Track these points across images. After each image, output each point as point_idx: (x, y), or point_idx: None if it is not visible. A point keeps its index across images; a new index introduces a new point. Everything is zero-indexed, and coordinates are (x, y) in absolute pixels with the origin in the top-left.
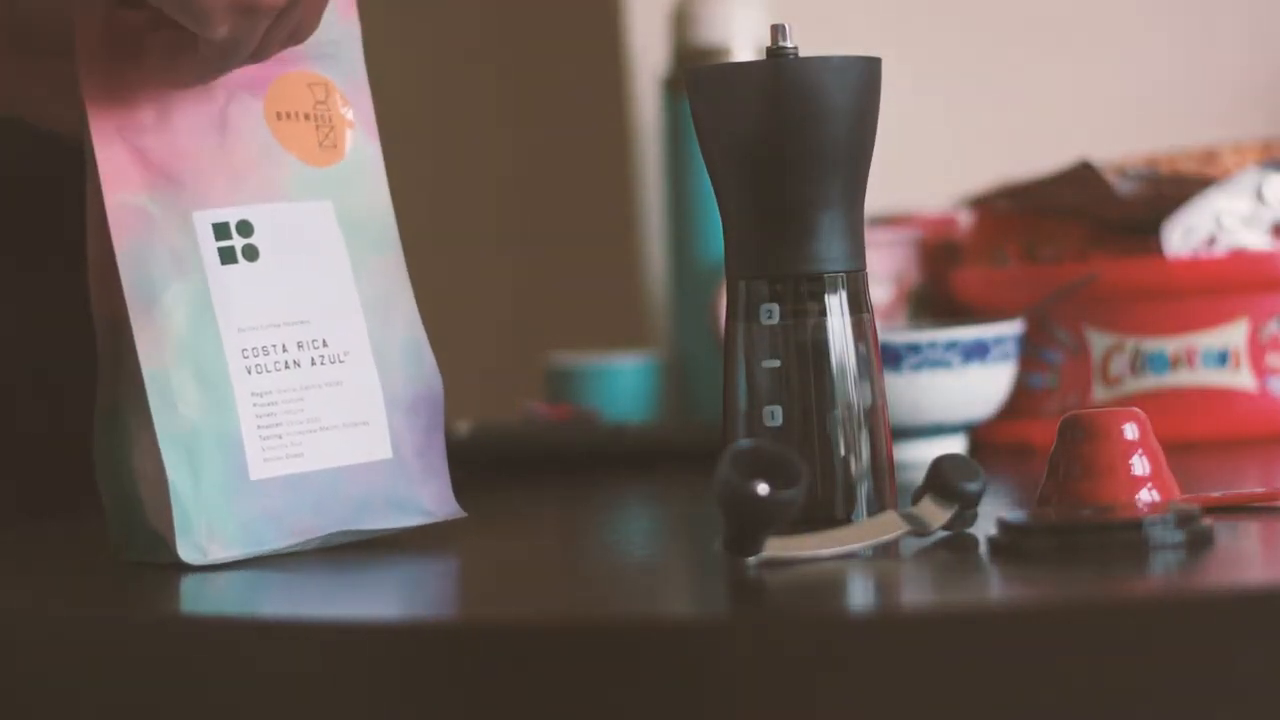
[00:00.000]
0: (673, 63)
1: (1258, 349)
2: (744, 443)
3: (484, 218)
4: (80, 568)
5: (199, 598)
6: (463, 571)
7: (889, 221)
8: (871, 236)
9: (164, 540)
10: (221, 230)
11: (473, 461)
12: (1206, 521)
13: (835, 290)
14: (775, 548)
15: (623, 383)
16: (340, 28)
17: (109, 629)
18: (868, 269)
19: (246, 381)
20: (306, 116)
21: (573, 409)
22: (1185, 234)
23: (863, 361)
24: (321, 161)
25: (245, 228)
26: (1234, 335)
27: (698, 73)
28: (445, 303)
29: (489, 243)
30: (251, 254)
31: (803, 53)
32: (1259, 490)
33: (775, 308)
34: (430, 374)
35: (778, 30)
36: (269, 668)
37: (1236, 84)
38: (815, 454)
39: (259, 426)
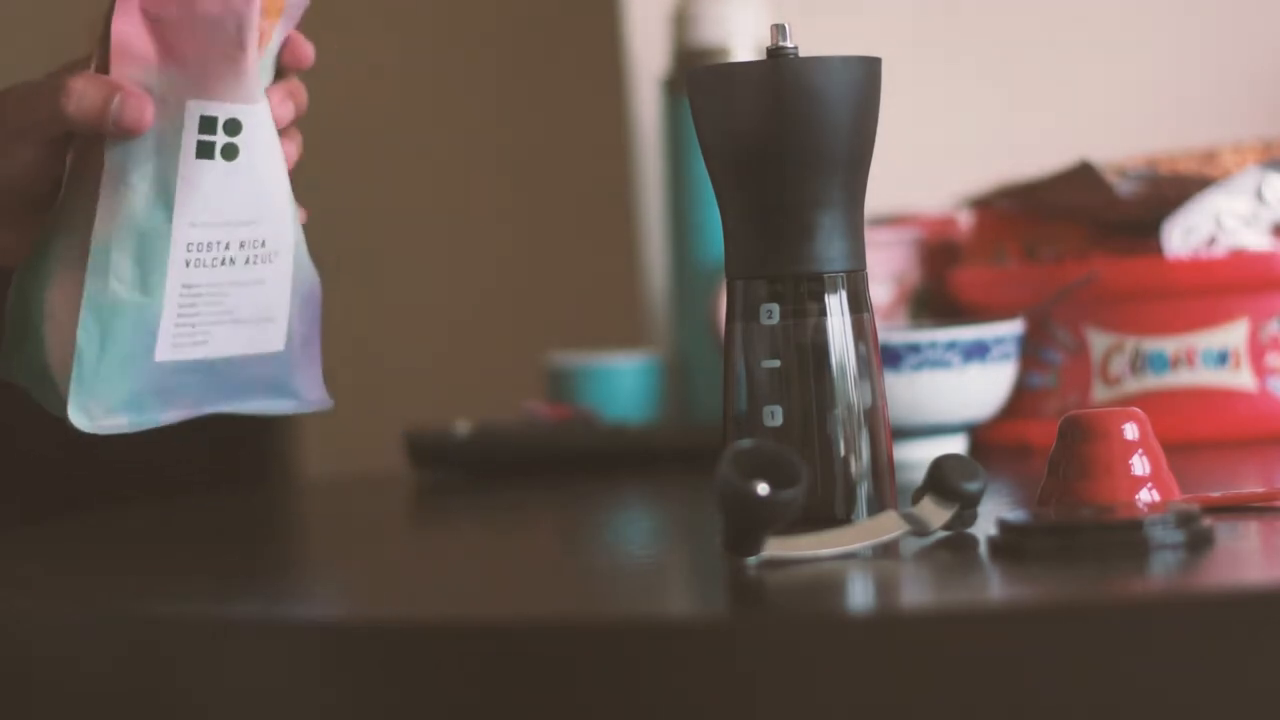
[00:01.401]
0: (673, 63)
1: (1258, 349)
2: (744, 443)
3: (484, 218)
4: (54, 569)
5: (190, 596)
6: (462, 571)
7: (889, 221)
8: (871, 236)
9: (54, 384)
10: (208, 124)
11: (473, 461)
12: (1206, 521)
13: (835, 290)
14: (775, 548)
15: (623, 383)
16: None
17: (79, 626)
18: (868, 269)
19: (182, 274)
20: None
21: (573, 409)
22: (1185, 234)
23: (863, 361)
24: (260, 54)
25: (233, 126)
26: (1234, 335)
27: (698, 73)
28: (445, 302)
29: (489, 242)
30: (231, 153)
31: (803, 53)
32: (1259, 490)
33: (775, 308)
34: (311, 271)
35: (778, 30)
36: (269, 667)
37: (1236, 84)
38: (815, 454)
39: (179, 316)
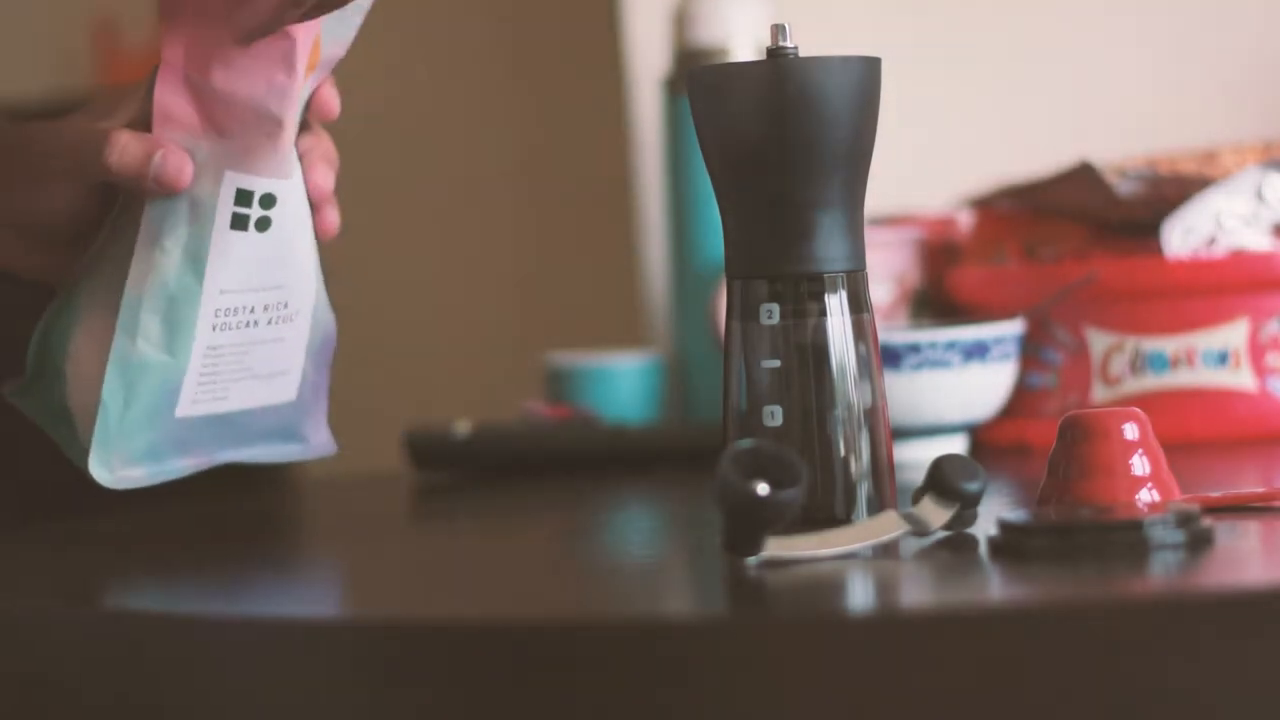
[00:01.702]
0: (673, 63)
1: (1258, 349)
2: (744, 443)
3: (484, 218)
4: (54, 569)
5: (190, 596)
6: (462, 571)
7: (889, 221)
8: (871, 236)
9: (73, 425)
10: (244, 197)
11: (473, 461)
12: (1206, 521)
13: (835, 290)
14: (775, 548)
15: (623, 383)
16: None
17: (79, 626)
18: (868, 269)
19: (209, 337)
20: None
21: (573, 409)
22: (1185, 234)
23: (863, 361)
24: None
25: (268, 200)
26: (1234, 335)
27: (698, 73)
28: (445, 302)
29: (489, 243)
30: (264, 225)
31: (803, 53)
32: (1259, 490)
33: (775, 308)
34: (327, 313)
35: (778, 30)
36: (269, 667)
37: (1236, 84)
38: (815, 454)
39: (201, 375)
